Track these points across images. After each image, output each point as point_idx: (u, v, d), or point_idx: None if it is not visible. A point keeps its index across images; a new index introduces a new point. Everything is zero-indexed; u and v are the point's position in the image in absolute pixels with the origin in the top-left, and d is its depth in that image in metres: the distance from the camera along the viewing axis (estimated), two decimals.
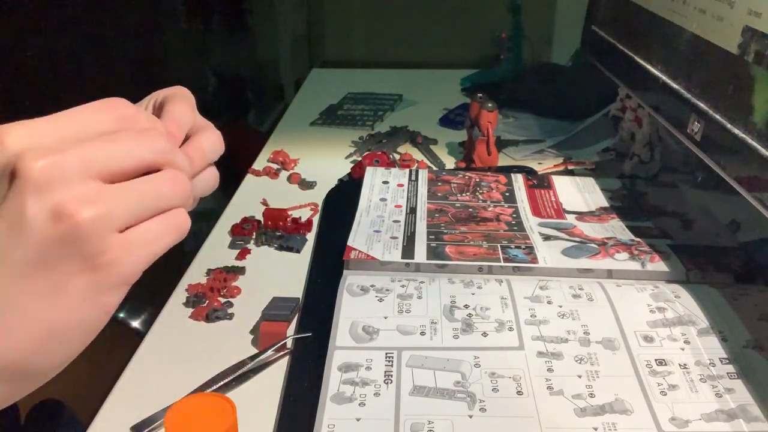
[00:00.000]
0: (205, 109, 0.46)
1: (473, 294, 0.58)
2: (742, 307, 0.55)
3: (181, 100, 0.41)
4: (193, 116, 0.42)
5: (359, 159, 0.91)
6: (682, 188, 0.80)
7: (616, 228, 0.70)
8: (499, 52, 1.32)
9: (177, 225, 0.34)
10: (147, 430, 0.48)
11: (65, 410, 0.84)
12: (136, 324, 0.80)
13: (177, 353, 0.57)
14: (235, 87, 2.45)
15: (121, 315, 0.81)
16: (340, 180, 0.87)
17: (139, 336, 0.80)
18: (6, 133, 0.31)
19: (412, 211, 0.73)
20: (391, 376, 0.49)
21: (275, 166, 0.93)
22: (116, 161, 0.32)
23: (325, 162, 0.95)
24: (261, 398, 0.51)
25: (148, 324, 0.81)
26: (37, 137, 0.31)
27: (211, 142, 0.42)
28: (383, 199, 0.76)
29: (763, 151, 0.47)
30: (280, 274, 0.67)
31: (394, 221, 0.71)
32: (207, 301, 0.63)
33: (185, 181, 0.35)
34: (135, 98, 0.50)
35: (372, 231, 0.68)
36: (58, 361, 0.33)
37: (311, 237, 0.74)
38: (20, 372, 0.32)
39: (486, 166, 0.87)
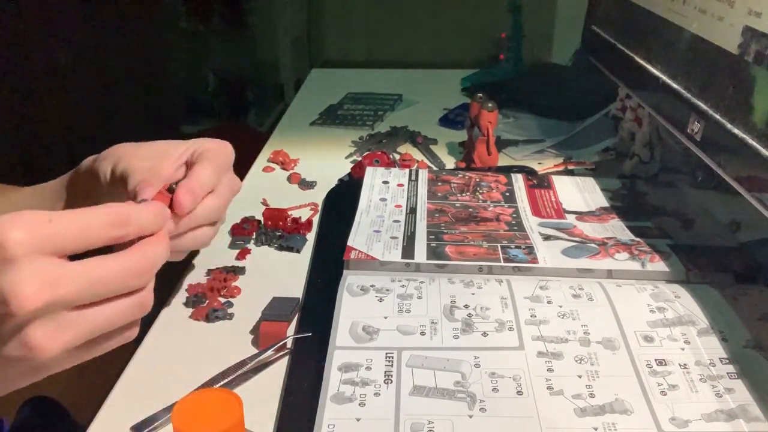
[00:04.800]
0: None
1: (473, 294, 0.58)
2: (742, 307, 0.56)
3: (206, 165, 0.47)
4: (215, 179, 0.48)
5: (359, 159, 0.91)
6: (682, 188, 0.80)
7: (616, 228, 0.70)
8: (499, 52, 1.32)
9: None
10: (147, 429, 0.48)
11: (58, 407, 0.84)
12: None
13: (177, 353, 0.57)
14: (235, 87, 2.45)
15: None
16: (340, 180, 0.87)
17: None
18: (7, 237, 0.32)
19: (412, 211, 0.73)
20: (391, 376, 0.49)
21: (275, 166, 0.94)
22: (95, 296, 0.35)
23: (325, 162, 0.94)
24: (261, 398, 0.51)
25: (141, 321, 0.80)
26: (38, 243, 0.33)
27: (210, 205, 0.45)
28: (383, 199, 0.76)
29: (763, 151, 0.47)
30: (280, 274, 0.67)
31: (394, 221, 0.71)
32: (207, 301, 0.63)
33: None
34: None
35: (372, 231, 0.68)
36: None
37: (311, 237, 0.74)
38: None
39: (486, 166, 0.87)
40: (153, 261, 0.37)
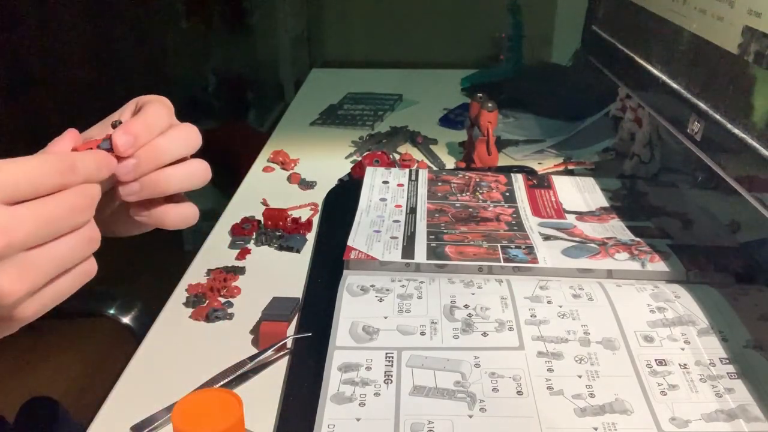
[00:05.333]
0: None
1: (473, 294, 0.58)
2: (742, 307, 0.55)
3: (157, 104, 0.44)
4: (169, 119, 0.44)
5: (359, 159, 0.91)
6: (682, 188, 0.80)
7: (616, 228, 0.70)
8: (499, 52, 1.32)
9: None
10: (147, 429, 0.48)
11: (58, 407, 0.84)
12: (126, 320, 0.80)
13: (177, 353, 0.57)
14: (235, 87, 2.45)
15: (112, 311, 0.81)
16: (340, 180, 0.87)
17: (131, 332, 0.80)
18: None
19: (412, 211, 0.73)
20: (391, 376, 0.49)
21: (275, 166, 0.94)
22: (47, 235, 0.36)
23: (325, 162, 0.95)
24: (261, 398, 0.51)
25: (140, 320, 0.81)
26: None
27: (180, 133, 0.43)
28: (383, 199, 0.76)
29: (763, 151, 0.47)
30: (280, 274, 0.67)
31: (394, 221, 0.71)
32: (207, 301, 0.63)
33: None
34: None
35: (372, 231, 0.68)
36: None
37: (311, 237, 0.74)
38: None
39: (486, 166, 0.87)
40: (92, 197, 0.39)
